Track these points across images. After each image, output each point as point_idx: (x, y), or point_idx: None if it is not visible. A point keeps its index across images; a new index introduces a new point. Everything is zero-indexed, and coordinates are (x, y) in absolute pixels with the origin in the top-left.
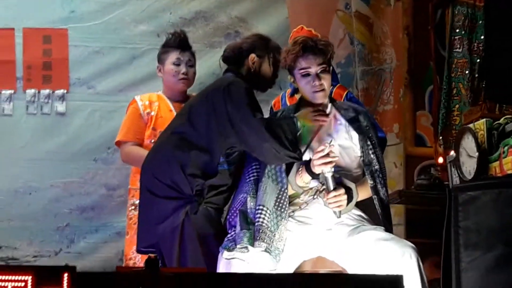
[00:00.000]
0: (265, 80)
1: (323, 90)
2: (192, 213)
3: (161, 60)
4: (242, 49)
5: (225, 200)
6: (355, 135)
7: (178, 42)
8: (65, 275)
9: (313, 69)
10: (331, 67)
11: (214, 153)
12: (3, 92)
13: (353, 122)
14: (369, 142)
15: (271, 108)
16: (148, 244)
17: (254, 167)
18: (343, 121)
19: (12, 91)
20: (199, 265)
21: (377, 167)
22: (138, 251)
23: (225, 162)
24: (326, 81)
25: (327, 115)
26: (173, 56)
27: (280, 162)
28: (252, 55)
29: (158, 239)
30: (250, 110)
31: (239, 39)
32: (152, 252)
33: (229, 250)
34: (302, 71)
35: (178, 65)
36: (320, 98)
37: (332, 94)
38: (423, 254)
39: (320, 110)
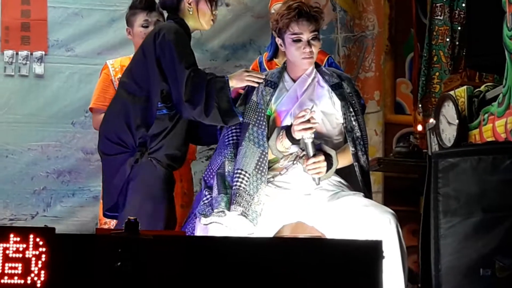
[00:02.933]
0: (205, 19)
1: (312, 57)
2: (134, 163)
3: (129, 22)
4: None
5: (169, 143)
6: (337, 102)
7: (144, 3)
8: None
9: (305, 36)
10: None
11: (151, 99)
12: None
13: (337, 88)
14: (351, 109)
15: None
16: (110, 206)
17: (233, 130)
18: (326, 86)
19: None
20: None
21: (358, 134)
22: (104, 215)
23: (164, 107)
24: (315, 49)
25: (260, 77)
26: (141, 18)
27: (197, 118)
28: None
29: (117, 197)
30: (177, 56)
31: (220, 3)
32: (115, 217)
33: (205, 216)
34: (294, 36)
35: (146, 27)
36: (308, 65)
37: None
38: (400, 221)
39: (252, 71)
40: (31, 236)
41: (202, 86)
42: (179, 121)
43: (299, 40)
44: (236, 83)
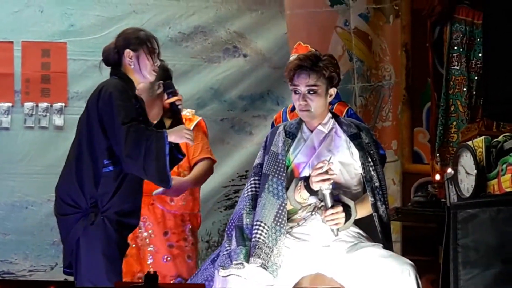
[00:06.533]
0: (147, 71)
1: (307, 110)
2: (89, 224)
3: None
4: (116, 48)
5: (118, 200)
6: (356, 152)
7: None
8: None
9: (302, 88)
10: (328, 88)
11: (97, 157)
12: (1, 105)
13: (355, 138)
14: (370, 159)
15: (272, 123)
16: (67, 264)
17: (253, 182)
18: (344, 137)
19: (10, 104)
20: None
21: (377, 184)
22: (64, 272)
23: (110, 164)
24: (313, 103)
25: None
26: None
27: (136, 173)
28: (127, 51)
29: (70, 256)
30: (117, 112)
31: (237, 54)
32: (71, 273)
33: (224, 268)
34: (292, 87)
35: None
36: (304, 117)
37: (333, 110)
38: (419, 271)
39: (189, 129)
40: None
41: (141, 142)
42: (126, 177)
43: (297, 92)
44: (175, 139)
